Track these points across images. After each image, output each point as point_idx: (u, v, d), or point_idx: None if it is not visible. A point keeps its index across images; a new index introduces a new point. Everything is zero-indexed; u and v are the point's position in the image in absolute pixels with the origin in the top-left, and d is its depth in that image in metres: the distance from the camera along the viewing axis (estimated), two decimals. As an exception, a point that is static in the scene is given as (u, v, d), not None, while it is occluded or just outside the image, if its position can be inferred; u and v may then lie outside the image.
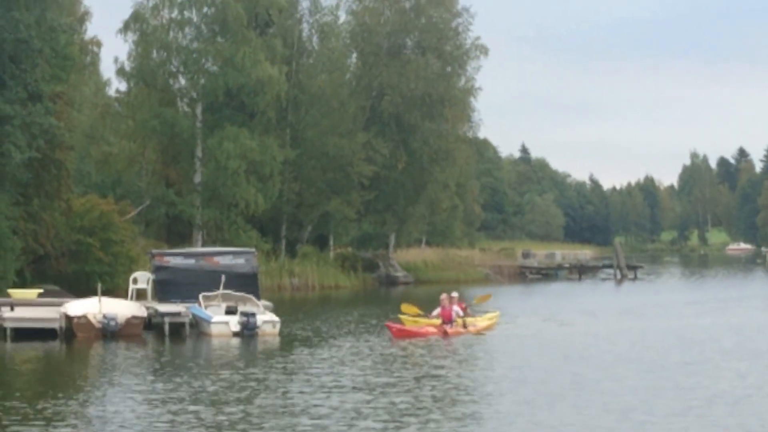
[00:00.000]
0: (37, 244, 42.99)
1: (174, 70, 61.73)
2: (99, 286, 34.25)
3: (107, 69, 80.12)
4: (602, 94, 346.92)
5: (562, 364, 25.06)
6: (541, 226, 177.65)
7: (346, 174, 65.85)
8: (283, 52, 63.10)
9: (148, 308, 34.09)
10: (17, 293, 36.34)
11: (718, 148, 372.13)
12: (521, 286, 69.76)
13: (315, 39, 69.10)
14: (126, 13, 61.68)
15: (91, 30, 72.24)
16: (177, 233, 61.57)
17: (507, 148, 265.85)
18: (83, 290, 40.28)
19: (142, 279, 39.13)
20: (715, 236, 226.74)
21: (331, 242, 71.10)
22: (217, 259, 38.03)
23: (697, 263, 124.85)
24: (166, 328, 32.79)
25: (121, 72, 61.38)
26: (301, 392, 20.44)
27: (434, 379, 22.30)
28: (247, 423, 17.26)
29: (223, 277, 34.91)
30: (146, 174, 63.41)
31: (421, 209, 75.76)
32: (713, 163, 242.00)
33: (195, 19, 61.14)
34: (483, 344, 30.22)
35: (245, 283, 36.36)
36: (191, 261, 38.02)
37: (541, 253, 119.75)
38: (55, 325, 31.66)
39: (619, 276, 79.26)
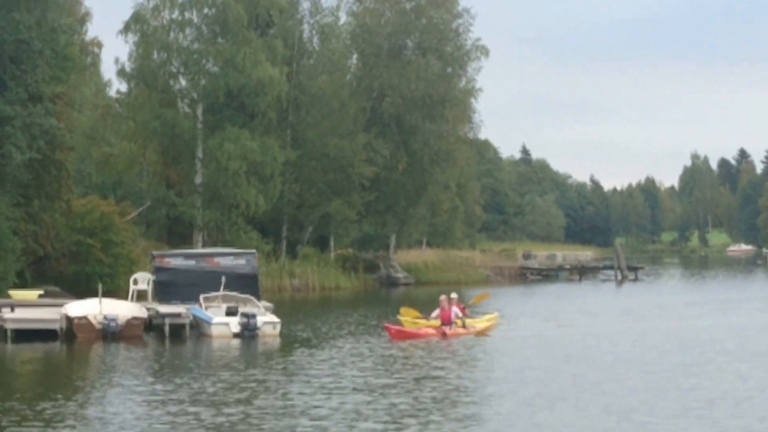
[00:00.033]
0: (38, 245, 42.96)
1: (174, 70, 61.73)
2: (99, 287, 34.25)
3: (108, 70, 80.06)
4: (603, 95, 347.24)
5: (562, 365, 25.04)
6: (541, 227, 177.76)
7: (347, 175, 65.84)
8: (283, 52, 63.10)
9: (148, 309, 34.08)
10: (18, 294, 36.34)
11: (718, 149, 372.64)
12: (522, 287, 69.73)
13: (315, 40, 69.10)
14: (126, 14, 61.83)
15: (92, 31, 72.51)
16: (177, 234, 61.55)
17: (507, 149, 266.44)
18: (84, 291, 40.25)
19: (143, 280, 39.14)
20: (716, 237, 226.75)
21: (332, 243, 71.08)
22: (217, 260, 38.04)
23: (698, 264, 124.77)
24: (167, 329, 32.78)
25: (121, 73, 61.39)
26: (301, 393, 20.42)
27: (434, 381, 22.28)
28: (247, 424, 17.24)
29: (224, 278, 34.95)
30: (147, 175, 63.41)
31: (422, 210, 75.81)
32: (714, 164, 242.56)
33: (195, 19, 61.14)
34: (483, 345, 30.21)
35: (246, 284, 36.38)
36: (192, 262, 38.02)
37: (541, 254, 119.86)
38: (56, 326, 31.65)
39: (619, 277, 79.21)
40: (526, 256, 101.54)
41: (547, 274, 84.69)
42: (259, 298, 35.63)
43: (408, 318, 34.28)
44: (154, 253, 40.14)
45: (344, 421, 17.29)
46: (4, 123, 37.54)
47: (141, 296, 38.45)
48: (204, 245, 56.62)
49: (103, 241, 47.02)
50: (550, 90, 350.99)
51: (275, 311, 35.34)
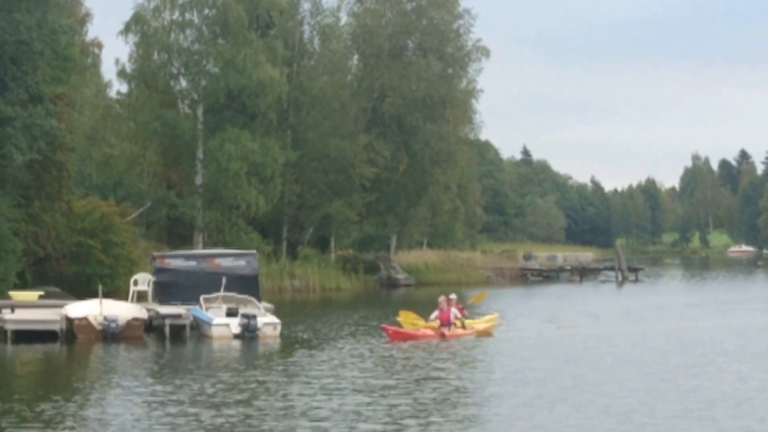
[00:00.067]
0: (38, 246, 42.96)
1: (175, 71, 61.72)
2: (100, 288, 34.25)
3: (108, 71, 79.95)
4: (603, 96, 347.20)
5: (562, 366, 25.02)
6: (542, 228, 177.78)
7: (348, 176, 65.83)
8: (284, 53, 63.10)
9: (148, 310, 34.07)
10: (18, 295, 36.31)
11: (719, 150, 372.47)
12: (522, 288, 69.72)
13: (316, 41, 69.11)
14: (127, 14, 61.80)
15: (92, 32, 72.50)
16: (178, 235, 61.55)
17: (508, 149, 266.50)
18: (84, 292, 40.23)
19: (143, 281, 39.12)
20: (717, 238, 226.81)
21: (332, 244, 71.07)
22: (218, 261, 38.01)
23: (699, 265, 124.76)
24: (167, 330, 32.77)
25: (122, 74, 61.39)
26: (302, 394, 20.41)
27: (434, 382, 22.26)
28: (247, 425, 17.23)
29: (224, 279, 34.91)
30: (147, 176, 63.41)
31: (423, 211, 75.83)
32: (715, 165, 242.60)
33: (196, 20, 61.14)
34: (483, 346, 30.19)
35: (246, 285, 36.34)
36: (192, 263, 37.99)
37: (542, 255, 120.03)
38: (56, 327, 31.65)
39: (620, 278, 79.20)
40: (527, 257, 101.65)
41: (548, 275, 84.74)
42: (259, 299, 35.59)
43: (407, 321, 34.16)
44: (155, 254, 40.12)
45: (344, 422, 17.28)
46: (4, 124, 37.54)
47: (141, 297, 38.43)
48: (204, 246, 56.63)
49: (103, 242, 47.01)
50: (550, 91, 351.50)
51: (276, 312, 35.31)
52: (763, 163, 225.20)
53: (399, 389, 21.10)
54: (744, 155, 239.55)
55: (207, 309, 33.46)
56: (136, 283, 39.08)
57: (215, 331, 32.17)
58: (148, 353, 29.65)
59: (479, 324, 34.52)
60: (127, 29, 60.65)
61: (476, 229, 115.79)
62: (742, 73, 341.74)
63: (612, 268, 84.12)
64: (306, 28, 68.40)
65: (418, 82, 67.03)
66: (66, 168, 43.64)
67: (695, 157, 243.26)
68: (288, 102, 64.00)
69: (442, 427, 16.97)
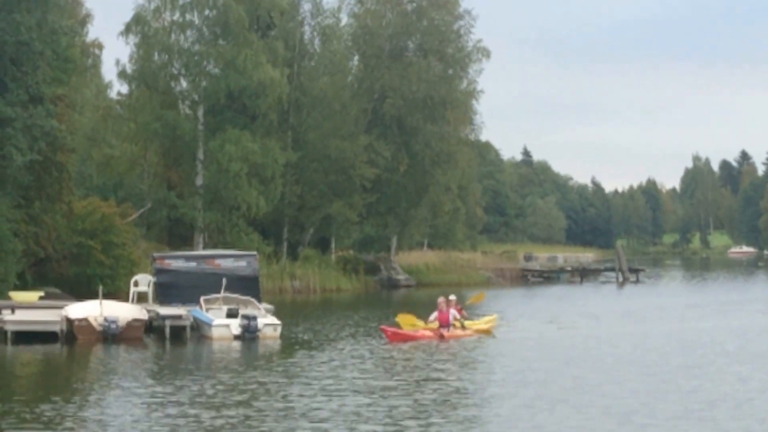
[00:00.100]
0: (39, 247, 42.94)
1: (175, 72, 61.71)
2: (100, 289, 34.27)
3: (109, 71, 79.83)
4: (604, 97, 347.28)
5: (563, 367, 25.02)
6: (543, 229, 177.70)
7: (348, 177, 65.82)
8: (284, 54, 63.09)
9: (149, 311, 34.06)
10: (18, 296, 36.33)
11: (720, 151, 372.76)
12: (523, 289, 69.71)
13: (317, 41, 69.11)
14: (127, 15, 61.93)
15: (93, 32, 72.35)
16: (178, 236, 61.53)
17: (509, 150, 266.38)
18: (84, 293, 40.22)
19: (144, 282, 39.13)
20: (717, 239, 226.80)
21: (333, 245, 71.06)
22: (218, 261, 38.01)
23: (699, 266, 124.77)
24: (167, 331, 32.76)
25: (122, 74, 61.38)
26: (302, 395, 20.40)
27: (435, 383, 22.25)
28: (247, 426, 17.22)
29: (225, 280, 34.93)
30: (148, 177, 63.39)
31: (423, 212, 75.82)
32: (715, 166, 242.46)
33: (196, 21, 61.13)
34: (484, 347, 30.17)
35: (246, 286, 36.35)
36: (192, 264, 38.00)
37: (543, 256, 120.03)
38: (56, 328, 31.64)
39: (620, 279, 79.19)
40: (528, 258, 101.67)
41: (549, 276, 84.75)
42: (259, 300, 35.60)
43: (406, 323, 34.04)
44: (155, 254, 40.13)
45: (344, 423, 17.27)
46: (4, 125, 37.52)
47: (142, 298, 38.43)
48: (205, 247, 56.61)
49: (103, 242, 46.99)
50: (551, 92, 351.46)
51: (276, 313, 35.30)
52: (763, 164, 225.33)
53: (399, 390, 21.08)
54: (745, 156, 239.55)
55: (207, 310, 33.46)
56: (136, 284, 39.08)
57: (215, 332, 32.16)
58: (149, 354, 29.64)
59: (478, 325, 34.52)
60: (127, 30, 60.65)
61: (477, 230, 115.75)
62: (742, 73, 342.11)
63: (613, 269, 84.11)
64: (306, 28, 68.43)
65: (418, 82, 67.02)
66: (66, 169, 43.62)
67: (696, 158, 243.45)
68: (288, 103, 64.01)
69: (442, 428, 16.96)
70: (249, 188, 58.57)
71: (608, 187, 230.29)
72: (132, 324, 32.22)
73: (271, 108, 61.33)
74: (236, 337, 31.90)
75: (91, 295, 36.66)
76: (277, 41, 63.59)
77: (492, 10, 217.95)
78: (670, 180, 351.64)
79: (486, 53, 72.06)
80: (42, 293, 37.69)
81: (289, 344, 30.91)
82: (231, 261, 38.21)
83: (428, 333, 32.19)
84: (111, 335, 31.38)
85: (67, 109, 45.58)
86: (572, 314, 43.53)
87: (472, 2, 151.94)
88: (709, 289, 68.74)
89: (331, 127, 65.51)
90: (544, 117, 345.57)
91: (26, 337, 31.09)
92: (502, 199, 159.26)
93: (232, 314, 32.97)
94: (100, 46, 69.57)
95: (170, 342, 31.99)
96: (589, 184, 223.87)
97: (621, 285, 75.14)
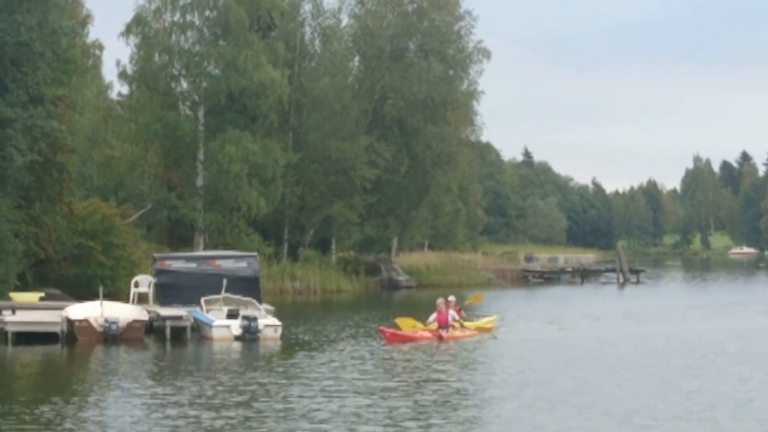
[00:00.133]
0: (39, 248, 42.95)
1: (176, 73, 61.73)
2: (101, 289, 34.25)
3: (109, 72, 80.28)
4: (604, 98, 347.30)
5: (563, 367, 25.00)
6: (543, 229, 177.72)
7: (349, 177, 65.82)
8: (285, 55, 63.09)
9: (149, 312, 34.05)
10: (19, 297, 36.34)
11: (721, 152, 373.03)
12: (524, 290, 69.69)
13: (317, 42, 69.13)
14: (128, 16, 61.98)
15: (93, 33, 72.51)
16: (179, 237, 61.55)
17: (509, 151, 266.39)
18: (85, 294, 40.23)
19: (144, 283, 39.13)
20: (718, 240, 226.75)
21: (334, 246, 71.06)
22: (219, 262, 38.01)
23: (700, 267, 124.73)
24: (168, 331, 32.73)
25: (123, 75, 61.39)
26: (302, 396, 20.38)
27: (435, 384, 22.24)
28: (247, 427, 17.21)
29: (225, 281, 34.92)
30: (148, 177, 63.40)
31: (424, 213, 75.78)
32: (716, 167, 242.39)
33: (197, 22, 61.15)
34: (484, 348, 30.15)
35: (247, 286, 36.36)
36: (193, 265, 38.01)
37: (543, 257, 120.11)
38: (57, 329, 31.64)
39: (621, 280, 79.17)
40: (528, 259, 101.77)
41: (549, 277, 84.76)
42: (260, 301, 35.59)
43: (405, 326, 33.99)
44: (156, 255, 40.13)
45: (344, 425, 17.26)
46: (5, 125, 37.52)
47: (142, 299, 38.42)
48: (205, 248, 56.60)
49: (104, 243, 47.00)
50: (551, 92, 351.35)
51: (276, 314, 35.29)
52: (764, 164, 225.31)
53: (399, 391, 21.07)
54: (745, 157, 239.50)
55: (208, 311, 33.46)
56: (136, 284, 39.08)
57: (216, 333, 32.16)
58: (149, 355, 29.62)
59: (478, 325, 34.52)
60: (128, 31, 60.66)
61: (477, 231, 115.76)
62: (743, 74, 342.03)
63: (613, 270, 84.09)
64: (307, 29, 68.44)
65: (419, 83, 67.02)
66: (67, 170, 43.63)
67: (696, 159, 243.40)
68: (289, 103, 64.01)
69: (442, 429, 16.95)
70: (249, 189, 58.58)
71: (609, 188, 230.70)
72: (132, 325, 32.21)
73: (272, 109, 61.34)
74: (237, 338, 31.89)
75: (92, 295, 36.66)
76: (278, 42, 63.60)
77: (492, 11, 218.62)
78: (670, 181, 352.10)
79: (486, 54, 72.13)
80: (42, 294, 37.71)
81: (290, 345, 30.90)
82: (231, 262, 38.22)
83: (427, 334, 32.17)
84: (111, 336, 31.35)
85: (68, 109, 45.59)
86: (573, 315, 43.52)
87: (472, 3, 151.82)
88: (709, 290, 68.72)
89: (331, 128, 65.52)
90: (544, 118, 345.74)
91: (27, 337, 31.08)
92: (503, 200, 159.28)
93: (232, 315, 32.96)
94: (101, 47, 69.68)
95: (171, 343, 31.97)
96: (590, 185, 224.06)
97: (622, 286, 75.13)
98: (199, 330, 33.38)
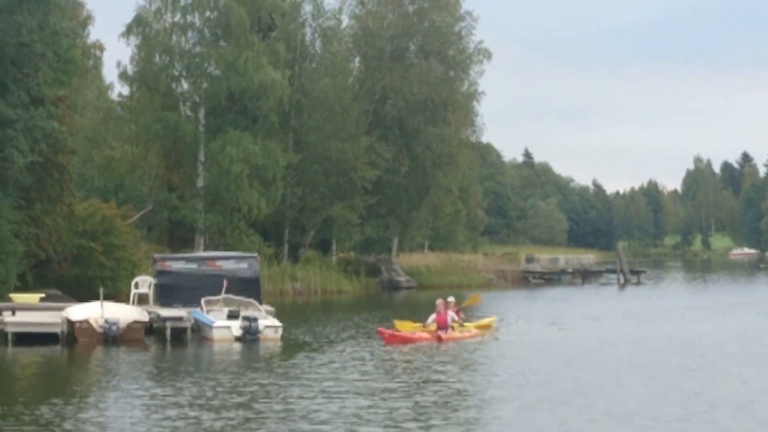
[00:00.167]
0: (39, 249, 42.97)
1: (177, 74, 61.73)
2: (101, 290, 34.24)
3: (110, 73, 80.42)
4: (605, 99, 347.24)
5: (564, 368, 24.99)
6: (544, 230, 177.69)
7: (349, 178, 65.83)
8: (285, 56, 63.10)
9: (149, 313, 34.05)
10: (19, 297, 36.32)
11: (721, 153, 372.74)
12: (524, 291, 69.68)
13: (318, 43, 69.17)
14: (128, 17, 61.92)
15: (94, 34, 72.63)
16: (179, 238, 61.54)
17: (510, 152, 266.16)
18: (85, 295, 40.23)
19: (144, 283, 39.11)
20: (719, 241, 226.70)
21: (334, 247, 71.08)
22: (219, 263, 37.98)
23: (700, 268, 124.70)
24: (168, 332, 32.73)
25: (123, 76, 61.41)
26: (302, 397, 20.37)
27: (435, 385, 22.22)
28: (247, 428, 17.20)
29: (226, 282, 34.91)
30: (149, 178, 63.40)
31: (424, 214, 75.80)
32: (717, 168, 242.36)
33: (198, 23, 61.16)
34: (484, 349, 30.14)
35: (247, 287, 36.34)
36: (193, 265, 37.98)
37: (544, 258, 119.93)
38: (57, 330, 31.64)
39: (622, 280, 79.17)
40: (529, 260, 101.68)
41: (550, 278, 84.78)
42: (260, 302, 35.57)
43: (404, 328, 33.93)
44: (156, 256, 40.09)
45: (345, 426, 17.24)
46: (6, 126, 37.52)
47: (142, 300, 38.41)
48: (206, 249, 56.60)
49: (104, 244, 47.03)
50: (552, 93, 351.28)
51: (277, 315, 35.28)
52: (765, 165, 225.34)
53: (399, 392, 21.06)
54: (746, 158, 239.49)
55: (208, 312, 33.45)
56: (137, 285, 39.06)
57: (216, 334, 32.14)
58: (149, 356, 29.61)
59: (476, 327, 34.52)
60: (128, 31, 60.67)
61: (478, 232, 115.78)
62: (743, 75, 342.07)
63: (614, 271, 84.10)
64: (308, 30, 68.48)
65: (419, 84, 67.04)
66: (67, 170, 43.67)
67: (697, 160, 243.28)
68: (289, 104, 64.02)
69: (442, 431, 16.94)
70: (250, 190, 58.59)
71: (609, 189, 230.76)
72: (133, 326, 32.21)
73: (272, 110, 61.33)
74: (237, 339, 31.89)
75: (92, 296, 36.66)
76: (279, 43, 63.60)
77: (493, 12, 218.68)
78: (671, 181, 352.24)
79: (487, 55, 72.16)
80: (43, 295, 37.70)
81: (290, 346, 30.89)
82: (232, 263, 38.19)
83: (425, 335, 32.15)
84: (112, 337, 31.34)
85: (68, 110, 45.62)
86: (573, 316, 43.51)
87: (473, 4, 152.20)
88: (710, 290, 68.69)
89: (332, 129, 65.55)
90: (545, 119, 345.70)
91: (27, 338, 31.08)
92: (504, 200, 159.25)
93: (232, 316, 32.95)
94: (101, 48, 69.73)
95: (171, 344, 31.97)
96: (591, 186, 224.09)
97: (622, 287, 75.12)
98: (200, 331, 33.38)
